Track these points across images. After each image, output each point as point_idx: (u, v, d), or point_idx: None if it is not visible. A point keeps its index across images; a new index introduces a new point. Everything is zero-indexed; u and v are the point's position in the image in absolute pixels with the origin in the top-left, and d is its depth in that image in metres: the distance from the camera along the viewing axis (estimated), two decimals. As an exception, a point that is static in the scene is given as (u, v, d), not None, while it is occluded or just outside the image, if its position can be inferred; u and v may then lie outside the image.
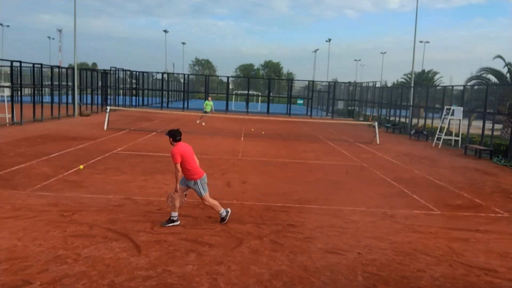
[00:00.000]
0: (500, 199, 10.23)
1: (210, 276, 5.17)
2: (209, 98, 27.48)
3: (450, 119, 20.81)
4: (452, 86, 24.60)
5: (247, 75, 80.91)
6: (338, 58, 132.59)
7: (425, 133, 23.73)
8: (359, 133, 25.20)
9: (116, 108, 30.14)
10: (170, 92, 49.66)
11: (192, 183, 6.90)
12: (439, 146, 20.25)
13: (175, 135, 7.14)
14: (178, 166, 6.77)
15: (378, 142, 20.41)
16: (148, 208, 7.86)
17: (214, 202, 7.14)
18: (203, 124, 25.65)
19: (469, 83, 26.81)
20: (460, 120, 20.40)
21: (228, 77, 45.02)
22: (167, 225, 6.85)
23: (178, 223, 6.95)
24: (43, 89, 23.91)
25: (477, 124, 22.02)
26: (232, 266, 5.49)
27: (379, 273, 5.57)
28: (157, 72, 47.62)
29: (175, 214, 6.95)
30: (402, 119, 29.37)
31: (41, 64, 22.90)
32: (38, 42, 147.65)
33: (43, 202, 7.83)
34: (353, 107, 41.87)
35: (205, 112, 26.43)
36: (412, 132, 24.88)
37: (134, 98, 41.88)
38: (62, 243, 5.93)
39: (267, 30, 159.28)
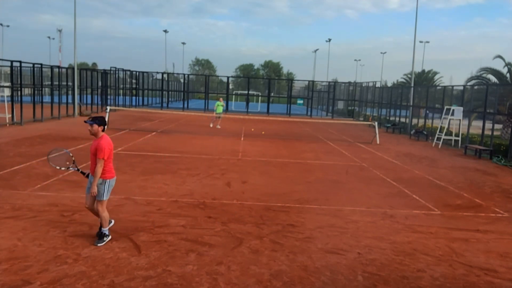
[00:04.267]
0: (500, 199, 10.23)
1: (210, 276, 5.17)
2: (220, 99, 25.81)
3: (450, 119, 20.81)
4: (452, 86, 24.63)
5: (247, 75, 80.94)
6: (338, 58, 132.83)
7: (425, 133, 23.74)
8: (359, 133, 25.20)
9: (116, 108, 30.14)
10: (170, 92, 49.69)
11: (100, 181, 6.06)
12: (439, 146, 20.25)
13: (105, 124, 6.20)
14: (103, 162, 6.06)
15: (378, 142, 20.42)
16: (148, 208, 7.85)
17: (107, 215, 6.18)
18: (218, 127, 24.19)
19: (469, 83, 26.82)
20: (460, 120, 20.40)
21: (228, 77, 45.05)
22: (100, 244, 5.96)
23: (109, 237, 6.14)
24: (43, 89, 23.91)
25: (477, 124, 22.03)
26: (232, 266, 5.49)
27: (379, 273, 5.57)
28: (157, 72, 47.66)
29: (106, 228, 6.11)
30: (402, 119, 29.38)
31: (41, 64, 22.90)
32: (38, 42, 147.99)
33: (43, 202, 7.83)
34: (353, 107, 41.87)
35: (218, 114, 24.65)
36: (412, 132, 24.88)
37: (134, 98, 41.90)
38: (62, 243, 5.93)
39: (267, 30, 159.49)
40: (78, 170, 6.27)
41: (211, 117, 25.54)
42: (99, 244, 5.94)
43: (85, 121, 6.12)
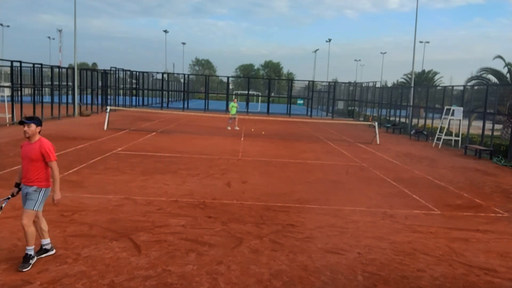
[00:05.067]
0: (500, 199, 10.23)
1: (210, 276, 5.17)
2: (235, 100, 25.47)
3: (450, 119, 20.81)
4: (452, 86, 24.63)
5: (247, 75, 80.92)
6: (338, 58, 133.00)
7: (425, 133, 23.73)
8: (359, 133, 25.20)
9: (116, 108, 30.14)
10: (170, 92, 49.70)
11: (34, 188, 5.19)
12: (439, 146, 20.25)
13: (42, 125, 5.33)
14: (56, 164, 5.24)
15: (378, 142, 20.41)
16: (148, 208, 7.85)
17: (33, 231, 5.26)
18: (237, 128, 23.83)
19: (469, 83, 26.81)
20: (460, 120, 20.40)
21: (228, 77, 45.05)
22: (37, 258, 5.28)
23: (53, 251, 5.53)
24: (43, 89, 23.91)
25: (477, 124, 22.02)
26: (232, 266, 5.49)
27: (379, 272, 5.57)
28: (157, 72, 47.76)
29: (46, 241, 5.47)
30: (402, 119, 29.38)
31: (41, 64, 22.90)
32: (38, 42, 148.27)
33: (43, 202, 7.81)
34: (353, 107, 41.87)
35: (233, 115, 24.29)
36: (412, 132, 24.88)
37: (134, 98, 41.90)
38: (62, 243, 5.93)
39: (267, 30, 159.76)
40: (8, 199, 5.36)
41: (228, 120, 24.94)
42: (24, 269, 5.01)
43: (19, 121, 5.26)
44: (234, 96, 30.09)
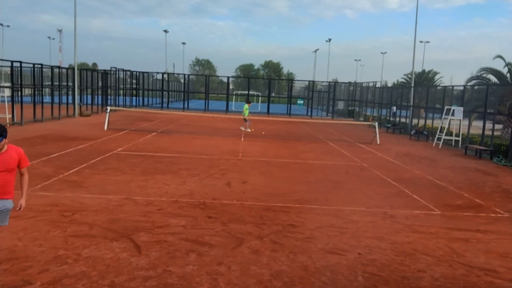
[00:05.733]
0: (501, 199, 10.23)
1: (210, 276, 5.17)
2: (250, 104, 25.09)
3: (450, 119, 20.80)
4: (452, 86, 24.61)
5: (247, 75, 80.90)
6: (338, 58, 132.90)
7: (425, 133, 23.73)
8: (359, 133, 25.19)
9: (116, 108, 30.14)
10: (170, 92, 49.69)
11: (11, 202, 4.74)
12: (439, 146, 20.25)
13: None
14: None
15: (378, 142, 20.40)
16: (148, 208, 7.85)
17: None
18: (242, 128, 23.60)
19: (469, 83, 26.83)
20: (460, 120, 20.40)
21: (228, 77, 45.05)
22: None
23: None
24: (43, 89, 23.91)
25: (477, 124, 22.02)
26: (232, 266, 5.49)
27: (379, 273, 5.57)
28: (157, 72, 47.72)
29: None
30: (402, 119, 29.38)
31: (41, 64, 22.91)
32: (38, 42, 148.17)
33: (43, 202, 7.83)
34: (353, 107, 41.87)
35: (245, 117, 24.04)
36: (412, 133, 24.88)
37: (134, 98, 41.91)
38: (62, 243, 5.93)
39: (267, 30, 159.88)
40: None
41: (247, 123, 24.28)
42: None
43: None
44: (249, 99, 29.14)
